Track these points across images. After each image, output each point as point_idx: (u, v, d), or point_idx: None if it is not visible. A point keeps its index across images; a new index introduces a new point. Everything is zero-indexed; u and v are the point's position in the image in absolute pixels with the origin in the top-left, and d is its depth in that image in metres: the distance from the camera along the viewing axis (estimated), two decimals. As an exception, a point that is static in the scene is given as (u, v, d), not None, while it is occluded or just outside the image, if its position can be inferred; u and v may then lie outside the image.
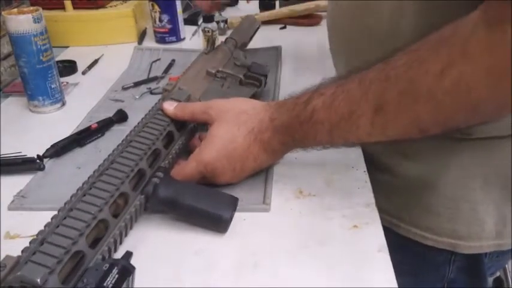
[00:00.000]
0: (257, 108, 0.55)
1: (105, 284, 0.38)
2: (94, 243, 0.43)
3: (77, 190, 0.46)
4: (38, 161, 0.61)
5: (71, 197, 0.45)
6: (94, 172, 0.48)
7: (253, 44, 0.93)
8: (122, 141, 0.53)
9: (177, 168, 0.56)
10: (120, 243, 0.47)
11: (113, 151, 0.52)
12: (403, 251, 0.64)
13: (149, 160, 0.52)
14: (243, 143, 0.53)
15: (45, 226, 0.41)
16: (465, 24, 0.41)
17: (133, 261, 0.42)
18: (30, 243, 0.40)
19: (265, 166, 0.57)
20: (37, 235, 0.40)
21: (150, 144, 0.53)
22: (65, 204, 0.44)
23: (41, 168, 0.61)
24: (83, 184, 0.47)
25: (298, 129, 0.52)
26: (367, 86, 0.46)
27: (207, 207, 0.49)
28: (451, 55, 0.40)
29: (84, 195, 0.44)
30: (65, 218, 0.42)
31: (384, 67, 0.45)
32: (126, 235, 0.48)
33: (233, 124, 0.54)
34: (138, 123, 0.57)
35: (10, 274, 0.36)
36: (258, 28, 0.95)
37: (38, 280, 0.36)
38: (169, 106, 0.58)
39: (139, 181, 0.50)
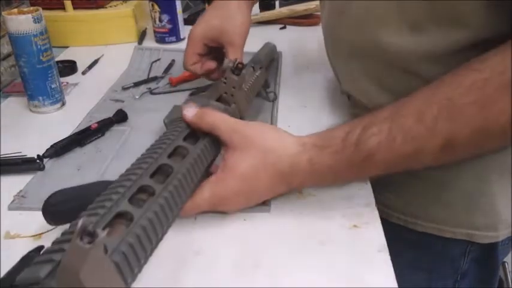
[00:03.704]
0: (288, 148, 0.49)
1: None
2: None
3: None
4: (38, 161, 0.61)
5: None
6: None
7: (253, 45, 0.93)
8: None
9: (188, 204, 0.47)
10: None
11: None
12: (419, 247, 0.65)
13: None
14: (267, 185, 0.49)
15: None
16: None
17: (133, 261, 0.42)
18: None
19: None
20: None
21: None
22: None
23: (41, 168, 0.61)
24: None
25: (345, 172, 0.49)
26: (432, 123, 0.44)
27: None
28: None
29: None
30: None
31: (446, 103, 0.44)
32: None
33: (259, 162, 0.48)
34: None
35: None
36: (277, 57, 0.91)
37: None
38: (188, 112, 0.50)
39: None
